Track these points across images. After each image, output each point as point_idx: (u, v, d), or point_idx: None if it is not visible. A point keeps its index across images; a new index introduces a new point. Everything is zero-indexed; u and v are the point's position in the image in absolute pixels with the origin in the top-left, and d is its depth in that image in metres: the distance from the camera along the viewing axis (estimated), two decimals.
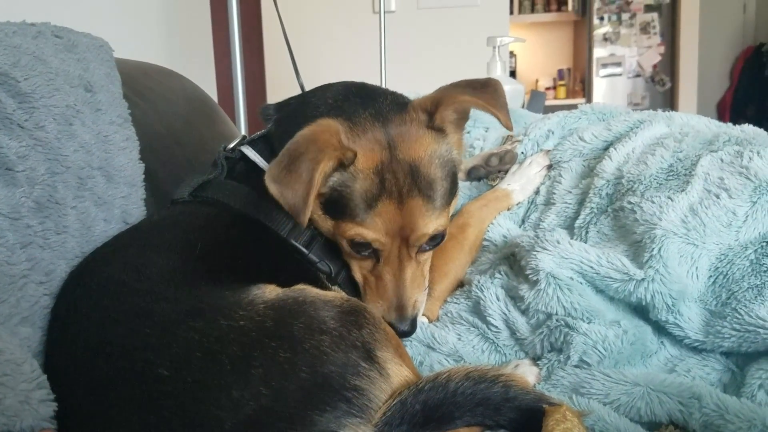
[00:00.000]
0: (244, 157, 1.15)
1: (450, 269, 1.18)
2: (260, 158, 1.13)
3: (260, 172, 1.10)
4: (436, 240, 1.05)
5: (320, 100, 1.10)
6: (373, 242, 1.01)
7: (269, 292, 0.82)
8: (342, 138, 0.97)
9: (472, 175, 1.41)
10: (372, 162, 0.98)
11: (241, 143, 1.17)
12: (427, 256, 1.10)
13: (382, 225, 0.99)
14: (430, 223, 1.01)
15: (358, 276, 1.08)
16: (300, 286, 0.84)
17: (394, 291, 1.04)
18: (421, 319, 1.14)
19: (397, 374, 0.78)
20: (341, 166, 0.98)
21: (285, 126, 1.11)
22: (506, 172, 1.36)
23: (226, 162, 1.14)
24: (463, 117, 1.10)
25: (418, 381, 0.76)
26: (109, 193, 1.10)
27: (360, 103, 1.06)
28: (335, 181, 0.99)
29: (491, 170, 1.38)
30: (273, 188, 0.93)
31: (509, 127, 1.04)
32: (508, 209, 1.29)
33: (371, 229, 0.99)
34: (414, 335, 1.07)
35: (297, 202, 0.92)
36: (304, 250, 1.06)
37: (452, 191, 1.06)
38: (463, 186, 1.39)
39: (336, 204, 1.00)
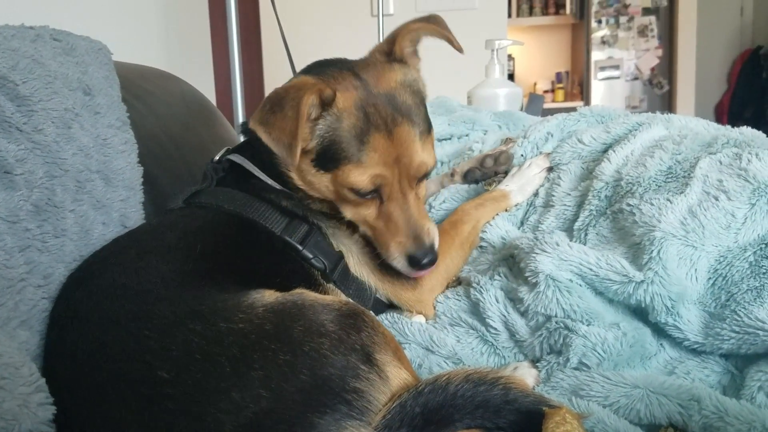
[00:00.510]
0: (233, 165, 1.18)
1: (440, 260, 1.17)
2: (249, 163, 1.16)
3: (251, 176, 1.15)
4: (429, 171, 1.09)
5: None
6: (374, 179, 1.02)
7: (268, 296, 0.82)
8: (317, 82, 1.02)
9: (469, 177, 1.41)
10: (351, 99, 1.02)
11: (226, 154, 1.21)
12: (422, 190, 1.12)
13: (379, 158, 1.02)
14: (422, 149, 1.05)
15: (366, 229, 1.10)
16: (298, 290, 0.84)
17: (407, 222, 1.06)
18: (418, 318, 1.14)
19: (396, 377, 0.78)
20: (323, 106, 1.01)
21: None
22: (505, 174, 1.36)
23: (215, 173, 1.17)
24: (417, 50, 1.17)
25: (417, 383, 0.76)
26: (107, 197, 1.10)
27: (324, 65, 1.12)
28: (322, 128, 1.02)
29: (487, 172, 1.38)
30: (260, 130, 0.95)
31: (460, 49, 1.11)
32: (507, 210, 1.29)
33: (370, 166, 1.01)
34: (412, 338, 1.07)
35: (286, 138, 0.94)
36: (298, 246, 1.07)
37: (428, 121, 1.10)
38: (461, 189, 1.39)
39: (328, 153, 1.03)
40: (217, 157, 1.22)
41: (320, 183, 1.07)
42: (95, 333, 0.80)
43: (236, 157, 1.17)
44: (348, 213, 1.10)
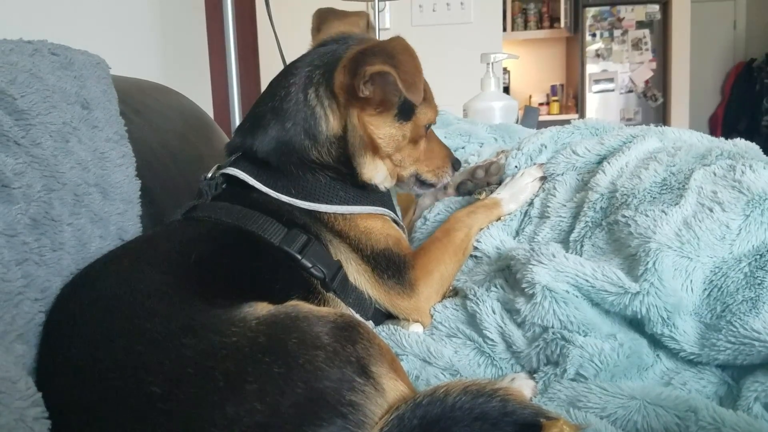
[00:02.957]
0: (229, 180, 1.20)
1: (434, 268, 1.19)
2: (247, 176, 1.17)
3: (251, 189, 1.16)
4: None
5: (283, 89, 1.21)
6: (437, 112, 1.29)
7: (261, 309, 0.81)
8: None
9: (461, 190, 1.42)
10: None
11: (217, 171, 1.23)
12: None
13: (429, 95, 1.26)
14: None
15: (418, 167, 1.30)
16: (293, 302, 0.83)
17: (444, 148, 1.36)
18: (415, 328, 1.14)
19: (393, 389, 0.77)
20: None
21: (265, 132, 1.19)
22: (498, 184, 1.37)
23: (209, 189, 1.19)
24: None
25: (416, 395, 0.75)
26: (105, 210, 1.10)
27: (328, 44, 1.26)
28: None
29: (479, 183, 1.39)
30: (392, 71, 1.04)
31: None
32: (499, 219, 1.29)
33: (431, 102, 1.27)
34: (410, 349, 1.07)
35: (410, 78, 1.06)
36: (297, 255, 1.07)
37: None
38: (455, 201, 1.40)
39: (407, 102, 1.18)
40: (209, 174, 1.23)
41: (399, 133, 1.22)
42: (88, 348, 0.79)
43: (236, 172, 1.18)
44: (408, 157, 1.27)
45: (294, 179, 1.16)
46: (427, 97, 1.22)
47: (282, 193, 1.15)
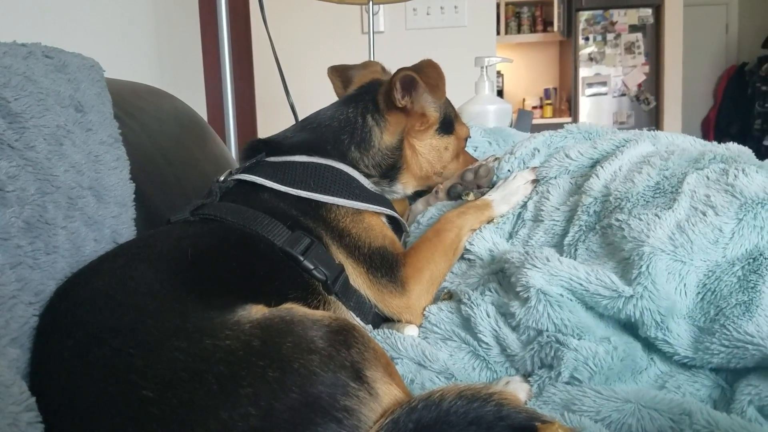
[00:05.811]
0: (241, 183, 1.22)
1: (424, 266, 1.20)
2: (262, 179, 1.20)
3: (260, 190, 1.19)
4: None
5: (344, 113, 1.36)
6: (469, 128, 1.54)
7: (255, 312, 0.81)
8: None
9: (451, 193, 1.43)
10: None
11: (231, 175, 1.26)
12: None
13: (459, 117, 1.51)
14: None
15: (454, 171, 1.46)
16: (287, 306, 0.83)
17: (474, 160, 1.51)
18: (410, 330, 1.14)
19: (387, 393, 0.77)
20: None
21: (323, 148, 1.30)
22: (489, 187, 1.37)
23: (220, 190, 1.21)
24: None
25: (411, 399, 0.75)
26: (99, 213, 1.09)
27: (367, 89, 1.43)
28: (439, 104, 1.39)
29: (468, 186, 1.40)
30: (416, 76, 1.26)
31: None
32: (491, 221, 1.30)
33: (462, 122, 1.50)
34: (405, 353, 1.07)
35: (433, 80, 1.27)
36: (299, 257, 1.07)
37: None
38: (447, 205, 1.40)
39: (446, 119, 1.42)
40: (222, 177, 1.25)
41: (442, 145, 1.42)
42: (79, 350, 0.78)
43: (246, 177, 1.22)
44: (452, 165, 1.46)
45: (318, 172, 1.22)
46: (457, 115, 1.46)
47: (300, 189, 1.18)
